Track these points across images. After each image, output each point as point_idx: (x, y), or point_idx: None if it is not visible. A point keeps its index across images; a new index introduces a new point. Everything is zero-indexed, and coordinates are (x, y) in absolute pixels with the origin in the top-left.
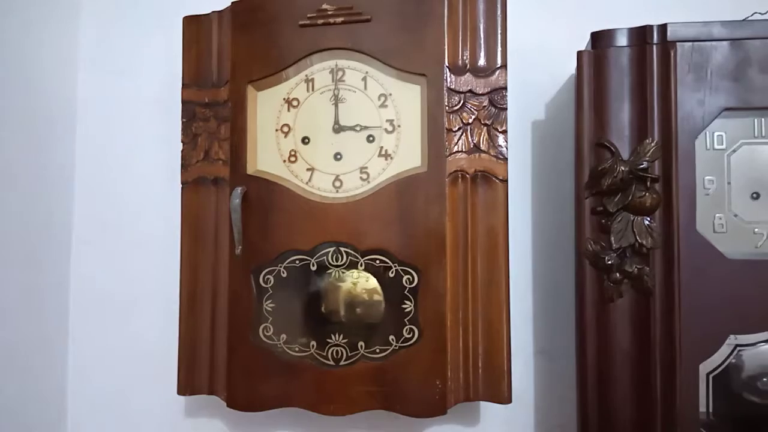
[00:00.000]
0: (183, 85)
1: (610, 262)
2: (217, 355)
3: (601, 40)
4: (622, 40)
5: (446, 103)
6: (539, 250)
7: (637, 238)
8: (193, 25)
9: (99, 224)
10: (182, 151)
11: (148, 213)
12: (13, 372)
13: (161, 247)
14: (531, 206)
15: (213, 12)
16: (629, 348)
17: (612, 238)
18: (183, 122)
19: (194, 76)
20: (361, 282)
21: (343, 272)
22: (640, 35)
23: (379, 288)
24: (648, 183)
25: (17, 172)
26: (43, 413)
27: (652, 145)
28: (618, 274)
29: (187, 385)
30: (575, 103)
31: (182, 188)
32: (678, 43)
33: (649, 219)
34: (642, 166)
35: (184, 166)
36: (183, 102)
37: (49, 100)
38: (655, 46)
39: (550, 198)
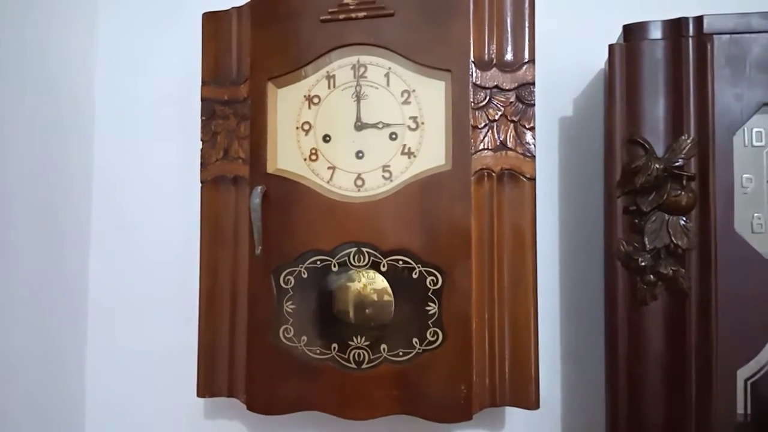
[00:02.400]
0: (202, 82)
1: (643, 264)
2: (236, 357)
3: (633, 32)
4: (656, 33)
5: (472, 100)
6: (567, 251)
7: (672, 239)
8: (212, 22)
9: (117, 224)
10: (201, 150)
11: (167, 212)
12: (30, 373)
13: (180, 247)
14: (558, 205)
15: (232, 8)
16: (662, 352)
17: (645, 239)
18: (202, 120)
19: (213, 73)
20: (374, 282)
21: (358, 272)
22: (675, 28)
23: (389, 288)
24: (684, 181)
25: (35, 171)
26: (61, 416)
27: (688, 141)
28: (652, 276)
29: (206, 388)
30: (606, 99)
31: (201, 187)
32: (715, 36)
33: (684, 219)
34: (677, 164)
35: (204, 165)
36: (202, 99)
37: (67, 98)
38: (690, 39)
39: (579, 197)
